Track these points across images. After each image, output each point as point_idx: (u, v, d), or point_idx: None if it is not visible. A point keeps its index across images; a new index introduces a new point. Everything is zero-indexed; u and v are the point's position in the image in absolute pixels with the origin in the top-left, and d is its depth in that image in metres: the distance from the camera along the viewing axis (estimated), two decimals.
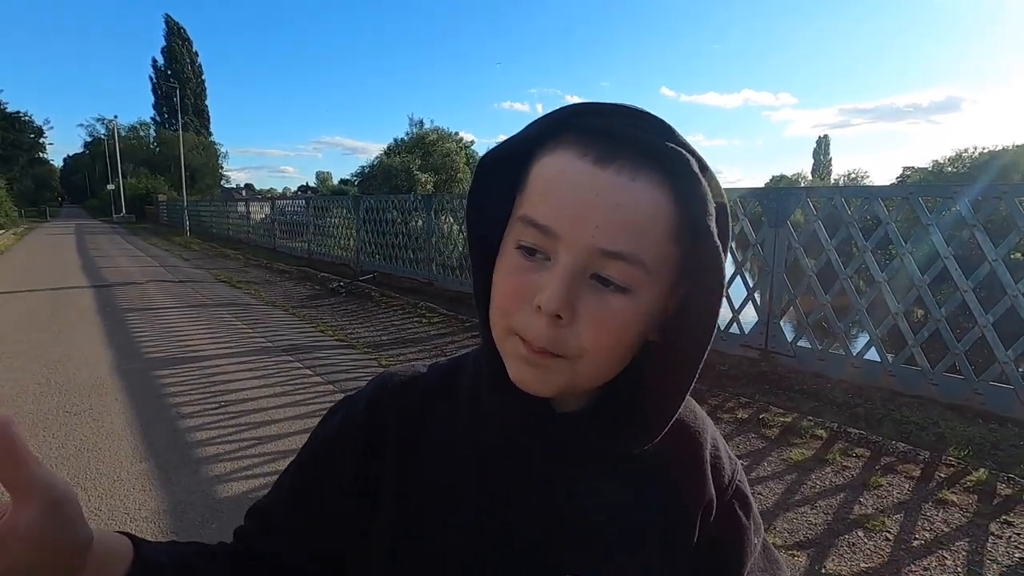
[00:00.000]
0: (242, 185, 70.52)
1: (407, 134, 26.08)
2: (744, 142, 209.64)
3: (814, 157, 72.14)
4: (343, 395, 0.55)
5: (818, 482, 2.67)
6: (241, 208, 18.54)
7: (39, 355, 4.82)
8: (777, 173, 66.43)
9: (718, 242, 0.39)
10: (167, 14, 57.61)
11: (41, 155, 43.85)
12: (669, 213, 0.39)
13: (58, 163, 69.83)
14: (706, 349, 0.42)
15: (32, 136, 37.67)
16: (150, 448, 3.02)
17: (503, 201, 0.44)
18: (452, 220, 7.77)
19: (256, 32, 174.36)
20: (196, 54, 58.54)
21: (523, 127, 0.44)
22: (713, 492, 0.50)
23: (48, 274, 10.40)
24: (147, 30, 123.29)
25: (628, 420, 0.45)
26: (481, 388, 0.47)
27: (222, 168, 56.09)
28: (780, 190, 4.38)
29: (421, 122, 26.56)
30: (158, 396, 3.83)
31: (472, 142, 31.76)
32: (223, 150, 56.49)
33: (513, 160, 0.44)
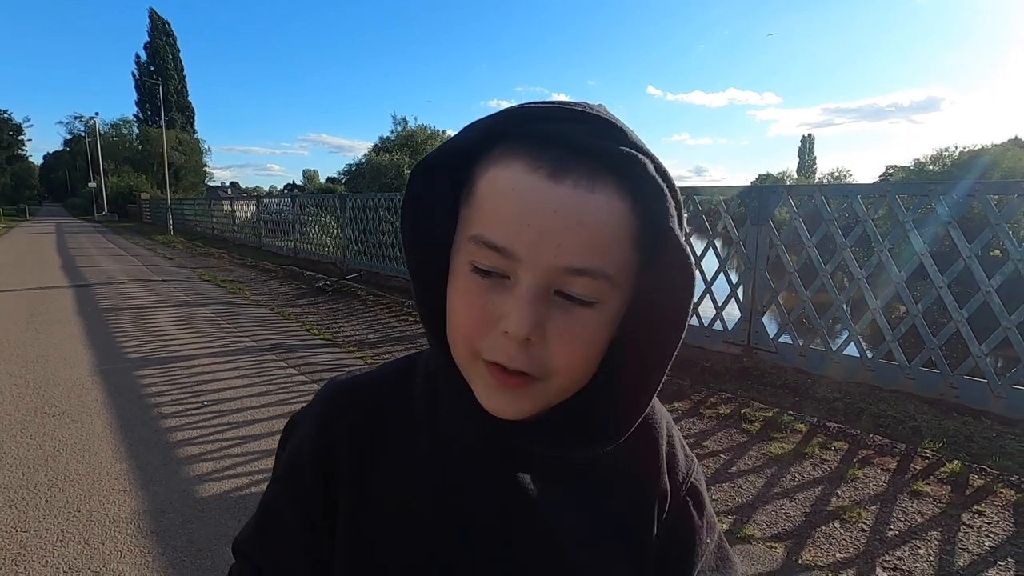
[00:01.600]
0: (227, 183, 69.79)
1: (392, 132, 26.00)
2: (730, 141, 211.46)
3: (799, 156, 72.94)
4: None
5: (797, 475, 2.72)
6: (226, 206, 18.33)
7: (17, 355, 4.74)
8: (763, 172, 67.10)
9: (684, 244, 0.38)
10: (152, 9, 56.70)
11: (20, 152, 42.98)
12: (630, 222, 0.38)
13: (38, 160, 68.58)
14: (676, 347, 0.41)
15: (11, 134, 36.96)
16: (130, 449, 2.99)
17: (444, 207, 0.42)
18: None
19: (241, 30, 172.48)
20: (178, 49, 57.74)
21: (462, 128, 0.41)
22: (668, 487, 0.50)
23: (27, 274, 10.21)
24: (130, 26, 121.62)
25: (591, 423, 0.43)
26: (439, 403, 0.46)
27: (206, 165, 55.44)
28: (762, 188, 4.43)
29: (405, 120, 26.51)
30: (139, 396, 3.79)
31: None
32: (206, 147, 55.85)
33: (454, 165, 0.41)
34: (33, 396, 3.76)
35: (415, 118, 35.72)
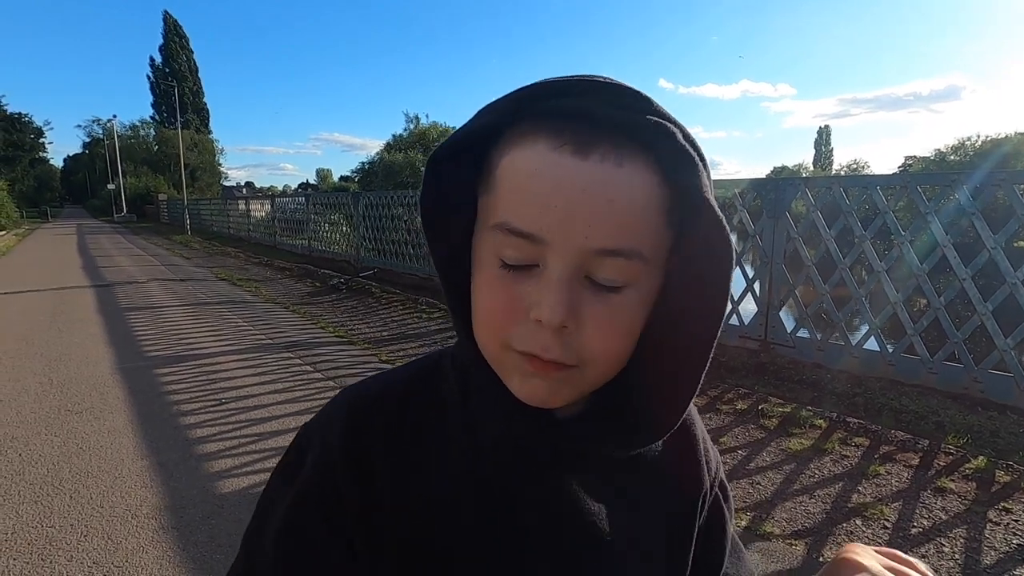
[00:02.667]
0: (242, 183, 70.63)
1: (405, 130, 26.04)
2: (744, 133, 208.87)
3: (815, 148, 71.88)
4: (328, 401, 0.47)
5: (817, 471, 2.68)
6: (241, 206, 18.53)
7: (41, 354, 4.84)
8: (778, 164, 66.16)
9: (721, 215, 0.36)
10: (166, 11, 57.38)
11: (42, 155, 43.90)
12: (662, 196, 0.36)
13: (58, 163, 69.95)
14: (719, 328, 0.39)
15: (33, 137, 37.74)
16: (151, 445, 3.04)
17: (463, 197, 0.41)
18: None
19: (252, 31, 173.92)
20: (192, 51, 58.41)
21: (477, 112, 0.39)
22: (707, 484, 0.50)
23: (50, 274, 10.42)
24: (145, 29, 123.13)
25: (632, 417, 0.42)
26: (472, 400, 0.44)
27: (221, 165, 56.11)
28: (778, 180, 4.36)
29: (417, 117, 26.53)
30: (159, 394, 3.85)
31: None
32: (221, 147, 56.50)
33: (470, 151, 0.39)
34: (57, 394, 3.84)
35: (427, 115, 35.71)
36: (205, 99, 60.63)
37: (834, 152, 70.85)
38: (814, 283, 3.96)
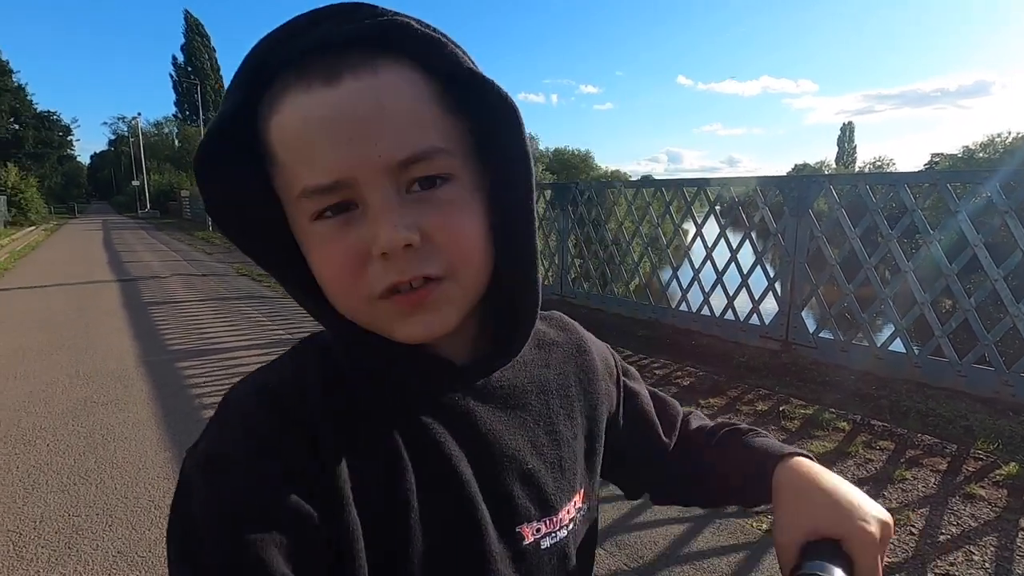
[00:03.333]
0: None
1: None
2: (764, 130, 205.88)
3: (838, 145, 70.56)
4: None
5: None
6: None
7: (69, 346, 4.95)
8: (799, 161, 65.12)
9: (491, 78, 0.36)
10: (186, 10, 58.25)
11: (69, 152, 45.02)
12: (430, 86, 0.36)
13: (85, 160, 71.59)
14: (532, 204, 0.40)
15: (61, 134, 38.65)
16: (173, 438, 3.09)
17: (247, 182, 0.38)
18: None
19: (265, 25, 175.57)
20: (213, 49, 59.25)
21: (224, 95, 0.38)
22: (614, 384, 0.56)
23: (76, 269, 10.68)
24: (167, 27, 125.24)
25: (500, 332, 0.44)
26: (371, 365, 0.41)
27: None
28: (802, 178, 4.28)
29: None
30: (181, 387, 3.91)
31: None
32: None
33: (234, 139, 0.37)
34: (84, 386, 3.93)
35: None
36: None
37: (857, 149, 69.43)
38: (838, 283, 3.88)
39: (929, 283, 3.49)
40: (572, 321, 0.57)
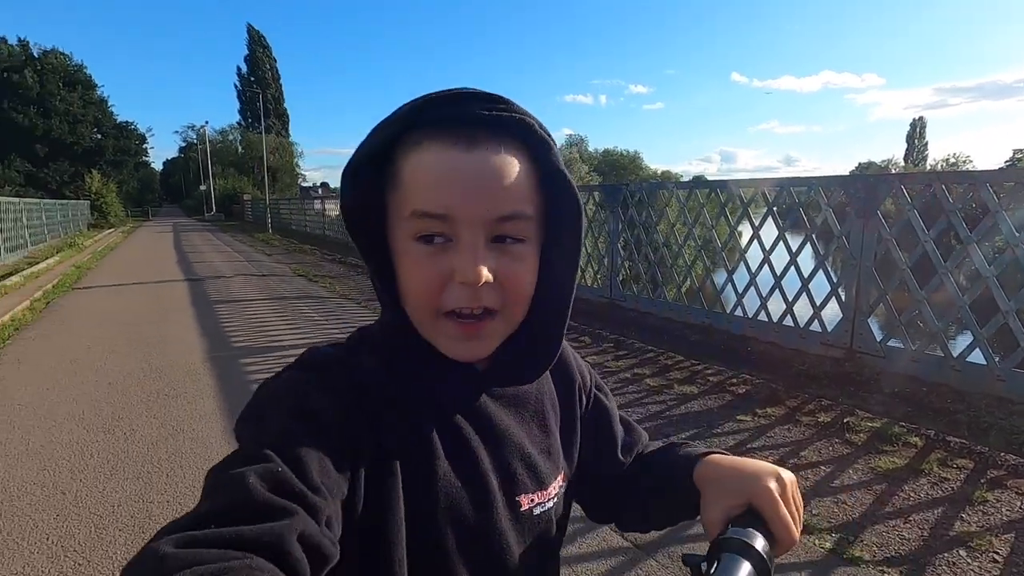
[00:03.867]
0: (318, 184, 74.08)
1: None
2: (824, 128, 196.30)
3: (907, 141, 66.44)
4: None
5: (912, 494, 2.46)
6: (317, 205, 19.48)
7: (144, 341, 5.29)
8: (863, 160, 61.79)
9: (569, 175, 0.49)
10: (249, 24, 61.14)
11: (144, 159, 48.14)
12: (531, 169, 0.48)
13: (158, 166, 76.34)
14: (576, 271, 0.53)
15: (137, 143, 41.36)
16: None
17: (374, 197, 0.50)
18: None
19: (324, 35, 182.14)
20: (275, 59, 61.90)
21: (373, 128, 0.49)
22: (582, 389, 0.65)
23: (150, 268, 11.41)
24: (234, 41, 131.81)
25: (529, 355, 0.55)
26: (403, 368, 0.52)
27: (298, 167, 59.18)
28: (869, 177, 4.06)
29: None
30: (243, 382, 4.10)
31: None
32: (300, 149, 59.57)
33: (374, 160, 0.49)
34: (156, 379, 4.18)
35: None
36: (286, 104, 64.17)
37: (929, 146, 65.26)
38: (909, 288, 3.65)
39: (1014, 290, 3.23)
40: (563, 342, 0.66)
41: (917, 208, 3.63)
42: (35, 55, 33.66)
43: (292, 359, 0.53)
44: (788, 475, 0.51)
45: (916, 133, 66.14)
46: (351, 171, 0.50)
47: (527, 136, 0.48)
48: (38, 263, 11.62)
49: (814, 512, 2.33)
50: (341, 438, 0.44)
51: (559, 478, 0.60)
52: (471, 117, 0.46)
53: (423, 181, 0.46)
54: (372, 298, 7.59)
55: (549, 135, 0.49)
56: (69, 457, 2.94)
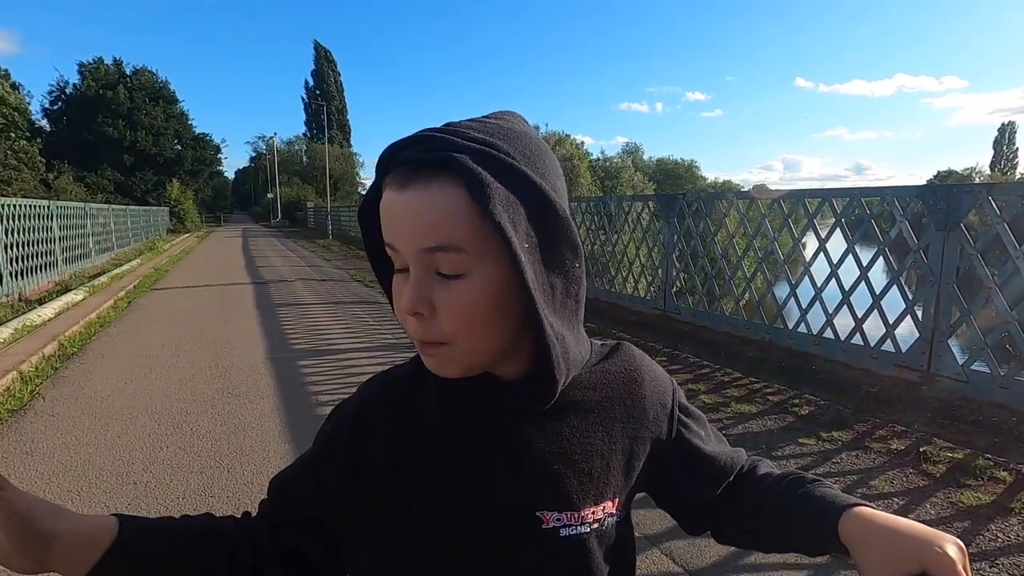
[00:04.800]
0: None
1: None
2: (898, 134, 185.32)
3: (994, 148, 61.68)
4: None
5: (1000, 534, 2.24)
6: None
7: (212, 341, 5.59)
8: (943, 168, 57.79)
9: (499, 214, 0.46)
10: (316, 40, 64.19)
11: (218, 169, 51.16)
12: (468, 202, 0.47)
13: (231, 175, 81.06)
14: (526, 287, 0.49)
15: (212, 153, 44.07)
16: (292, 430, 3.35)
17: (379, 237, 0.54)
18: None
19: (384, 47, 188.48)
20: (339, 73, 64.69)
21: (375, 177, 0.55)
22: (664, 422, 0.62)
23: (220, 272, 12.09)
24: (303, 56, 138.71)
25: (538, 383, 0.53)
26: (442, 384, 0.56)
27: (359, 176, 61.38)
28: (951, 187, 3.76)
29: (537, 127, 26.84)
30: (301, 384, 4.25)
31: (582, 143, 31.45)
32: (361, 159, 61.84)
33: (368, 204, 0.54)
34: (221, 378, 4.40)
35: (546, 124, 36.20)
36: (348, 116, 66.84)
37: (1020, 152, 60.29)
38: (996, 307, 3.35)
39: None
40: (638, 353, 0.65)
41: (1008, 221, 3.34)
42: (127, 73, 36.58)
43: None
44: (962, 544, 0.49)
45: (1005, 139, 61.29)
46: (360, 215, 0.56)
47: (460, 171, 0.47)
48: (122, 265, 12.55)
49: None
50: (347, 461, 0.57)
51: (606, 504, 0.57)
52: (406, 161, 0.49)
53: (383, 218, 0.51)
54: None
55: (485, 167, 0.47)
56: (141, 449, 3.13)
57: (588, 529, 0.56)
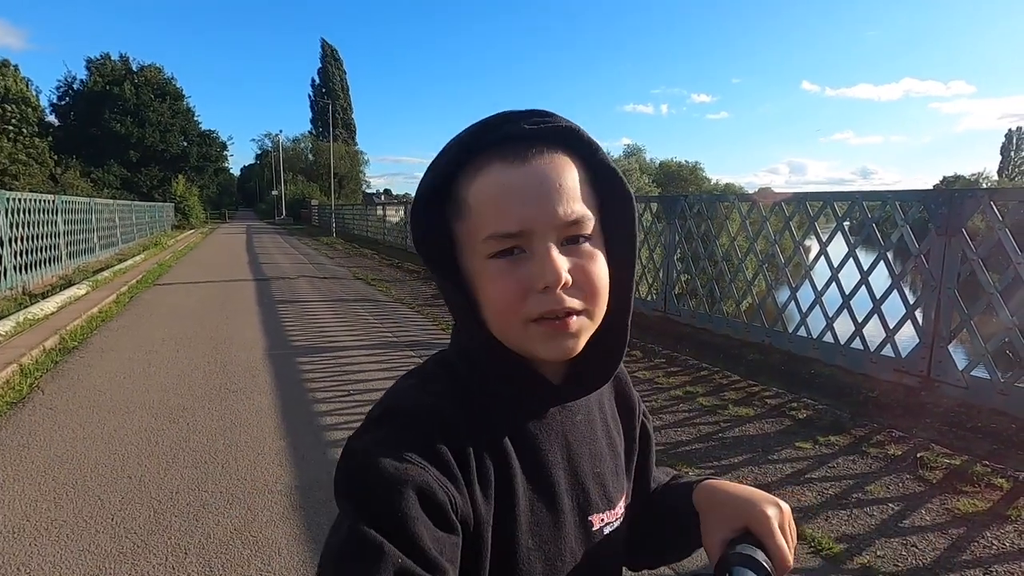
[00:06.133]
0: (381, 190, 76.66)
1: None
2: (906, 138, 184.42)
3: (1002, 153, 61.32)
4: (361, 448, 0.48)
5: (995, 541, 2.23)
6: (379, 211, 20.14)
7: (212, 337, 5.60)
8: (949, 173, 57.48)
9: (616, 167, 0.52)
10: (323, 38, 64.38)
11: (224, 166, 51.27)
12: (582, 171, 0.50)
13: (236, 172, 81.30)
14: (634, 269, 0.54)
15: (218, 150, 44.13)
16: (289, 427, 3.36)
17: (436, 225, 0.52)
18: None
19: (390, 46, 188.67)
20: (345, 72, 64.78)
21: (433, 160, 0.52)
22: (638, 412, 0.66)
23: (223, 268, 12.12)
24: (310, 54, 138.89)
25: (599, 365, 0.55)
26: (493, 384, 0.53)
27: (363, 175, 61.45)
28: (953, 192, 3.74)
29: None
30: (299, 381, 4.26)
31: None
32: (365, 158, 61.93)
33: (439, 190, 0.51)
34: (220, 374, 4.41)
35: None
36: (354, 115, 66.95)
37: None
38: (997, 314, 3.32)
39: None
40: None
41: (1010, 227, 3.31)
42: (134, 69, 36.70)
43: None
44: (785, 505, 0.54)
45: (1012, 145, 60.91)
46: (422, 204, 0.52)
47: (573, 142, 0.50)
48: (126, 260, 12.60)
49: (879, 553, 2.15)
50: (445, 495, 0.45)
51: (624, 496, 0.61)
52: (520, 134, 0.48)
53: (490, 204, 0.48)
54: (426, 303, 7.74)
55: (594, 139, 0.52)
56: (137, 443, 3.14)
57: (619, 523, 0.59)
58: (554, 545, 0.52)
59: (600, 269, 0.50)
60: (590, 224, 0.49)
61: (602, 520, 0.56)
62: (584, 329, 0.50)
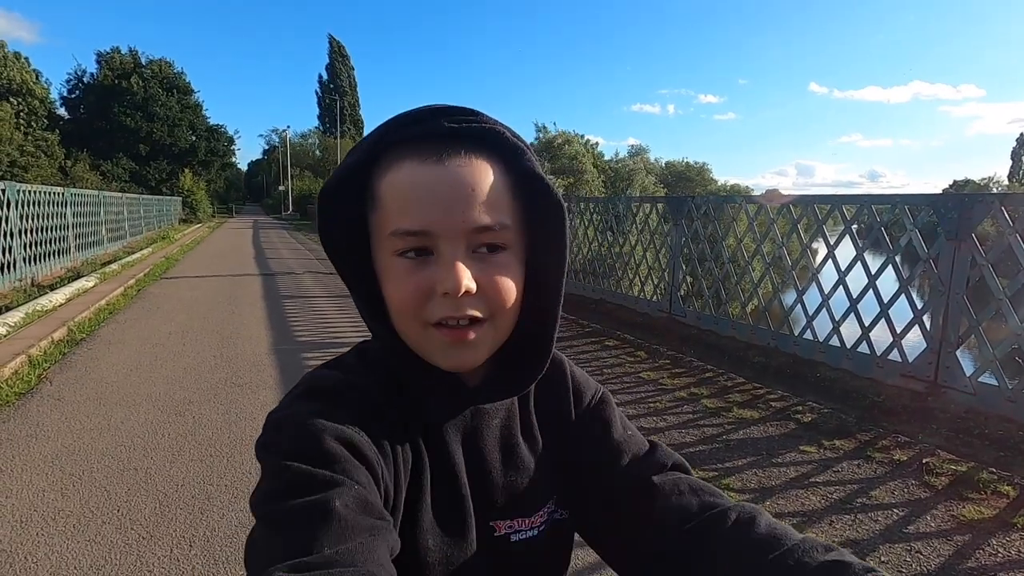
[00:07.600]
0: None
1: (536, 140, 26.34)
2: (915, 142, 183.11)
3: (1012, 158, 60.78)
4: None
5: (1000, 549, 2.21)
6: None
7: (217, 331, 5.63)
8: (959, 177, 57.03)
9: (548, 178, 0.49)
10: (330, 34, 64.41)
11: (231, 160, 51.44)
12: (506, 177, 0.48)
13: (243, 167, 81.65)
14: (563, 276, 0.52)
15: (225, 144, 44.25)
16: None
17: (349, 219, 0.50)
18: (579, 222, 7.71)
19: (399, 44, 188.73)
20: (352, 68, 64.84)
21: (349, 151, 0.50)
22: (575, 412, 0.60)
23: (229, 262, 12.17)
24: (318, 50, 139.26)
25: (519, 366, 0.54)
26: (402, 381, 0.52)
27: None
28: (963, 196, 3.71)
29: (545, 127, 26.62)
30: (301, 374, 4.26)
31: (597, 143, 31.27)
32: None
33: (351, 181, 0.49)
34: (225, 368, 4.43)
35: (554, 123, 36.06)
36: (361, 111, 67.04)
37: None
38: (1006, 320, 3.30)
39: None
40: (561, 356, 0.63)
41: (1020, 232, 3.29)
42: (143, 63, 36.87)
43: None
44: None
45: (1022, 149, 60.35)
46: (330, 193, 0.50)
47: (498, 145, 0.48)
48: (134, 253, 12.68)
49: (883, 559, 2.14)
50: (373, 455, 0.46)
51: (549, 503, 0.57)
52: (440, 132, 0.46)
53: (399, 199, 0.46)
54: None
55: (522, 142, 0.49)
56: (143, 436, 3.16)
57: (536, 532, 0.56)
58: (455, 548, 0.51)
59: (509, 279, 0.48)
60: (505, 232, 0.47)
61: (509, 527, 0.55)
62: (485, 340, 0.49)
